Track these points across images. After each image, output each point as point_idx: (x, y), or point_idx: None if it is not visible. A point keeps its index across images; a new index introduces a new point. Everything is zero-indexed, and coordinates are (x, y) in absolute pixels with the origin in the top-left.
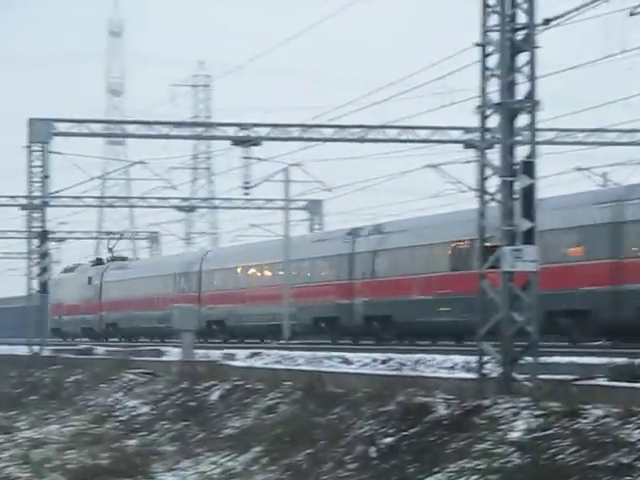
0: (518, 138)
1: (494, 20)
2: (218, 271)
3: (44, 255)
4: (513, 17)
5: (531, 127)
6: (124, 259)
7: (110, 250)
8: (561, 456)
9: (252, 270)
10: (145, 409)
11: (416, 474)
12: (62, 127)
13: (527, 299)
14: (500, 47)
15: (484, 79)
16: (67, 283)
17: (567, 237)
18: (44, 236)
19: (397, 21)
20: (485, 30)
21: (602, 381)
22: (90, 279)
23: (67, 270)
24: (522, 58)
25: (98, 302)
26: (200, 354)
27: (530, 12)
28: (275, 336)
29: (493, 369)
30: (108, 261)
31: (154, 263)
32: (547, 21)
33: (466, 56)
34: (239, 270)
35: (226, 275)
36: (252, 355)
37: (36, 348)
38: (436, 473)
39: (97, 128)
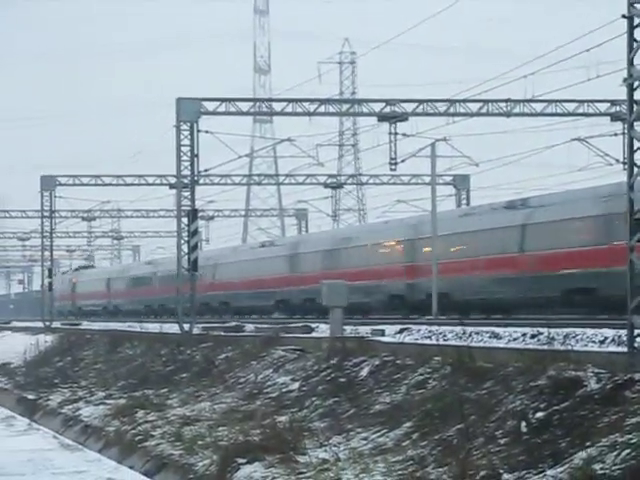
0: None
1: None
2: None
3: (194, 233)
4: None
5: None
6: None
7: None
8: None
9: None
10: (295, 385)
11: (568, 448)
12: (210, 106)
13: None
14: None
15: (631, 51)
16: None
17: None
18: (194, 214)
19: None
20: (632, 2)
21: None
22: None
23: None
24: None
25: None
26: (348, 330)
27: None
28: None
29: None
30: None
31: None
32: None
33: (613, 28)
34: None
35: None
36: (401, 330)
37: (186, 326)
38: (588, 447)
39: (244, 106)
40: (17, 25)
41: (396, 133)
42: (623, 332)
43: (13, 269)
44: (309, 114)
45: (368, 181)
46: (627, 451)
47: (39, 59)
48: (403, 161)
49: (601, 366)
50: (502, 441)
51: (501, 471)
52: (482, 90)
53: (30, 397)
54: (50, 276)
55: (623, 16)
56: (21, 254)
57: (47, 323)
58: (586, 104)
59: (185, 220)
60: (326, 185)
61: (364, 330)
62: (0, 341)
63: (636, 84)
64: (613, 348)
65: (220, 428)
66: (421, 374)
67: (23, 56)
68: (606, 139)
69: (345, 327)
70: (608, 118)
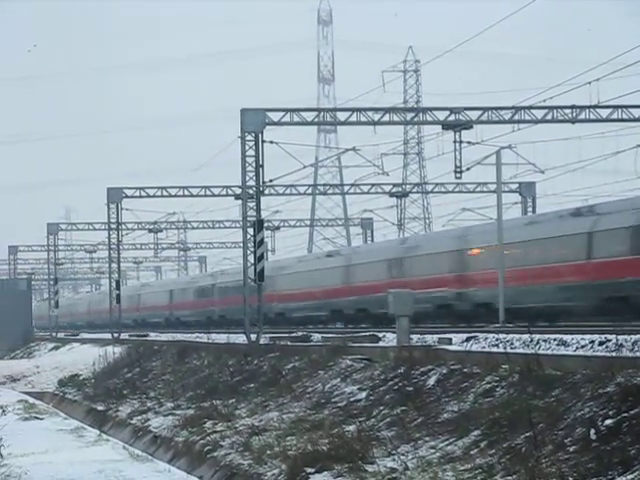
0: None
1: None
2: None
3: (259, 244)
4: None
5: None
6: None
7: None
8: None
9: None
10: (363, 395)
11: (637, 455)
12: (274, 116)
13: None
14: None
15: None
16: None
17: None
18: (259, 225)
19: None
20: None
21: None
22: None
23: None
24: None
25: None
26: (415, 339)
27: None
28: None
29: None
30: None
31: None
32: None
33: None
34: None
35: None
36: (468, 339)
37: (253, 336)
38: None
39: (309, 116)
40: (86, 36)
41: (461, 141)
42: None
43: (81, 281)
44: (373, 123)
45: (433, 189)
46: None
47: (102, 71)
48: (468, 169)
49: None
50: (571, 449)
51: (570, 479)
52: (547, 97)
53: (100, 408)
54: (118, 288)
55: None
56: (88, 266)
57: (115, 335)
58: None
59: (251, 230)
60: (391, 194)
61: (431, 339)
62: (69, 353)
63: None
64: None
65: (288, 438)
66: (489, 382)
67: (86, 68)
68: None
69: (412, 336)
70: None
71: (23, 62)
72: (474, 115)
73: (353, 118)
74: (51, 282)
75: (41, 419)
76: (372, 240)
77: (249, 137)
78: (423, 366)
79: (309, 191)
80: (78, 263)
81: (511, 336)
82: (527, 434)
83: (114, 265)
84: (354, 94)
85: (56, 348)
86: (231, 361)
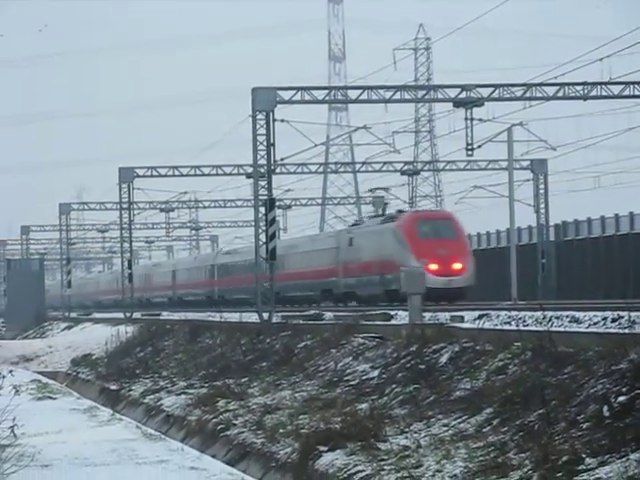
0: None
1: None
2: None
3: (271, 222)
4: None
5: None
6: None
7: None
8: None
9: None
10: (375, 373)
11: None
12: (285, 95)
13: None
14: None
15: None
16: None
17: None
18: (271, 204)
19: None
20: None
21: None
22: None
23: None
24: None
25: None
26: (427, 317)
27: None
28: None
29: None
30: None
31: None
32: None
33: None
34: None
35: None
36: (480, 316)
37: (265, 315)
38: None
39: (320, 95)
40: (101, 15)
41: (472, 118)
42: None
43: (93, 261)
44: (385, 101)
45: (445, 167)
46: None
47: (115, 50)
48: (480, 146)
49: None
50: (584, 426)
51: (583, 456)
52: (558, 73)
53: (112, 387)
54: (130, 267)
55: None
56: (100, 246)
57: (127, 314)
58: None
59: (262, 209)
60: (402, 172)
61: (443, 317)
62: (82, 332)
63: None
64: None
65: (301, 416)
66: (501, 360)
67: (100, 47)
68: None
69: (424, 314)
70: None
71: (33, 43)
72: (485, 92)
73: (364, 96)
74: (63, 262)
75: (54, 399)
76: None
77: (260, 116)
78: (435, 344)
79: (320, 170)
80: (90, 243)
81: (523, 313)
82: (540, 411)
83: (126, 245)
84: (365, 72)
85: (69, 328)
86: (243, 340)
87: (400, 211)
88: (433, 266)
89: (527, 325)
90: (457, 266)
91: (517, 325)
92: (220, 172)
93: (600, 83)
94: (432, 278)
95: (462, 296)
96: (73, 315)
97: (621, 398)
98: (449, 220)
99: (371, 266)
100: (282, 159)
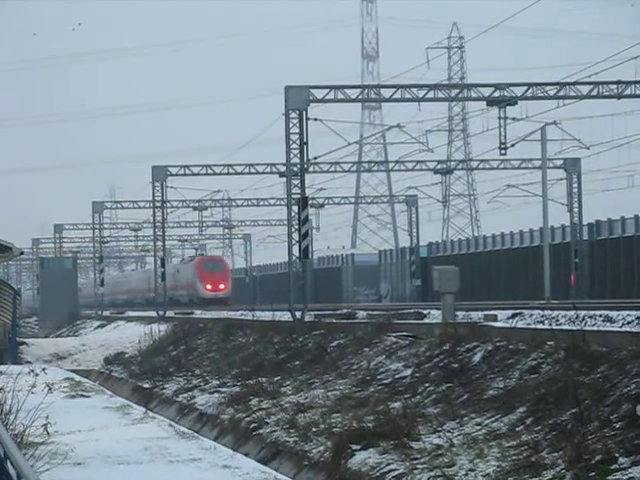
0: None
1: None
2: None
3: (304, 221)
4: None
5: None
6: None
7: None
8: None
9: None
10: (408, 372)
11: None
12: (318, 94)
13: None
14: None
15: None
16: None
17: None
18: (304, 202)
19: None
20: None
21: None
22: None
23: None
24: None
25: None
26: (460, 316)
27: None
28: None
29: None
30: None
31: None
32: None
33: None
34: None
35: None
36: (513, 315)
37: (298, 314)
38: None
39: (353, 93)
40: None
41: (505, 117)
42: None
43: (126, 259)
44: (418, 100)
45: (478, 166)
46: None
47: (151, 50)
48: (513, 145)
49: None
50: (617, 425)
51: (617, 455)
52: (592, 72)
53: (145, 386)
54: (163, 266)
55: None
56: (134, 244)
57: (160, 312)
58: None
59: (295, 208)
60: (436, 171)
61: (476, 316)
62: (114, 331)
63: None
64: None
65: (334, 415)
66: (534, 359)
67: (138, 46)
68: None
69: (457, 313)
70: None
71: (67, 41)
72: (519, 91)
73: (397, 95)
74: (96, 260)
75: (87, 397)
76: (417, 217)
77: (293, 114)
78: (468, 343)
79: (353, 168)
80: (123, 241)
81: (557, 312)
82: (573, 411)
83: (159, 243)
84: (398, 71)
85: (101, 326)
86: (276, 339)
87: (193, 256)
88: (209, 286)
89: (560, 324)
90: (222, 286)
91: (550, 324)
92: (253, 171)
93: (634, 82)
94: (208, 292)
95: (225, 303)
96: (106, 313)
97: None
98: (220, 261)
99: (182, 285)
100: (315, 158)
